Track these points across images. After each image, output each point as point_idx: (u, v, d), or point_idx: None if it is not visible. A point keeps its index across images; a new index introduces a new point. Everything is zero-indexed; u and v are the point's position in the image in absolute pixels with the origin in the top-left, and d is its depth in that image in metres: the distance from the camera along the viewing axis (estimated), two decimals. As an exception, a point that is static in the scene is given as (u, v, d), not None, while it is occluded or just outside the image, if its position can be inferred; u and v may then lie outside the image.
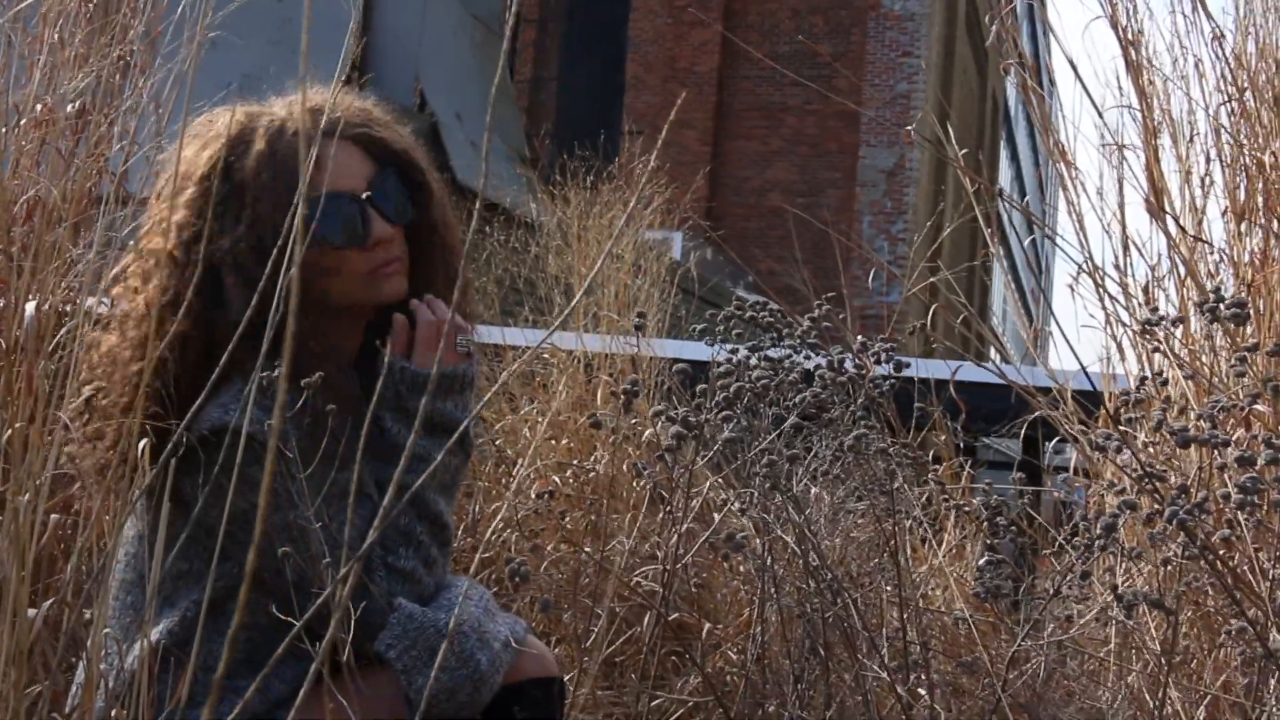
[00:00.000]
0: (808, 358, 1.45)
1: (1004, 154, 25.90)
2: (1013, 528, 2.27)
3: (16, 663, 1.20)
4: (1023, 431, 3.17)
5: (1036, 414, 2.73)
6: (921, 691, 1.67)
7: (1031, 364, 3.64)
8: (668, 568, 1.28)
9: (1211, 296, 1.37)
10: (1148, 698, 1.97)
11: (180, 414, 1.41)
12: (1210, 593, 1.58)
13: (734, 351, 1.45)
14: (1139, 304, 2.46)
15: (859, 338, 1.39)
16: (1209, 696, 1.89)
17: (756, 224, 16.51)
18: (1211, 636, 2.09)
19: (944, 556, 2.73)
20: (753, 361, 1.36)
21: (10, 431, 1.37)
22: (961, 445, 3.38)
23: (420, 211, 1.64)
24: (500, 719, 1.50)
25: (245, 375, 1.41)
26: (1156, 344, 1.62)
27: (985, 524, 2.15)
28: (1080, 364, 2.31)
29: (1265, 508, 1.23)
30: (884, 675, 1.55)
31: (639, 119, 15.91)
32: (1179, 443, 1.28)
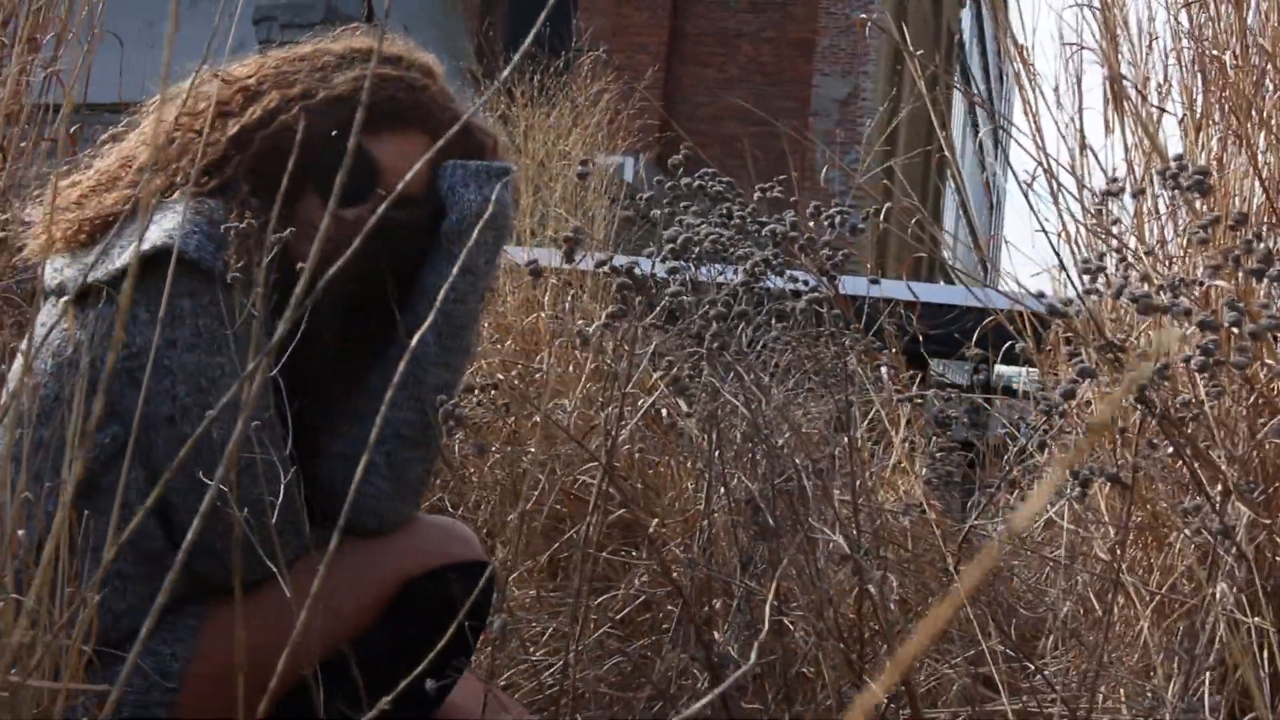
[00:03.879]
0: (759, 227, 1.39)
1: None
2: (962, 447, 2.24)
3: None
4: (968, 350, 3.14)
5: (991, 319, 2.69)
6: (876, 572, 1.64)
7: (984, 279, 3.60)
8: (610, 436, 1.22)
9: (1174, 164, 1.32)
10: (1095, 600, 1.95)
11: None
12: (1157, 482, 1.55)
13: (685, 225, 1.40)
14: (1095, 202, 2.42)
15: (812, 203, 1.34)
16: (1156, 599, 1.87)
17: (710, 151, 16.36)
18: (1159, 541, 2.07)
19: (893, 465, 2.71)
20: (704, 229, 1.30)
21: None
22: (910, 359, 3.34)
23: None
24: (426, 604, 1.45)
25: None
26: (1113, 220, 1.58)
27: (937, 433, 2.11)
28: (1016, 279, 2.27)
29: (1227, 371, 1.19)
30: (836, 556, 1.52)
31: (590, 42, 15.68)
32: (1140, 309, 1.24)
